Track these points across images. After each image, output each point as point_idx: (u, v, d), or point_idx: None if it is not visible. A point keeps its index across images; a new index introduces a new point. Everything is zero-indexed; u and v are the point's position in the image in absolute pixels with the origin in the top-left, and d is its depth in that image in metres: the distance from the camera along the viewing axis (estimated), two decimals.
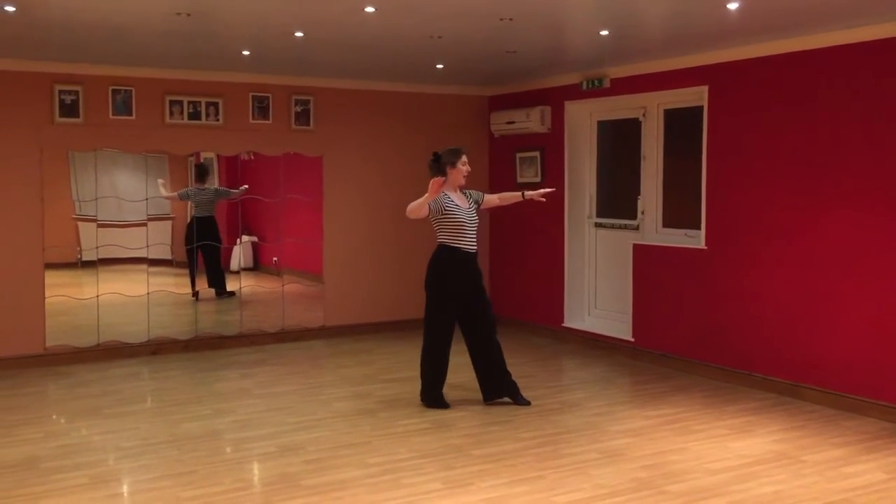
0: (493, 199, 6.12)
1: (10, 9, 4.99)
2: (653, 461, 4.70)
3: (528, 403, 5.82)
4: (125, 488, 4.39)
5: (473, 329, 5.82)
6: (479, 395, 5.89)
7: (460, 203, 5.72)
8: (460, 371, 6.19)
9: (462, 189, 5.84)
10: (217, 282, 8.46)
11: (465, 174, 5.76)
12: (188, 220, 8.28)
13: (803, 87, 5.93)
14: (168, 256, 8.23)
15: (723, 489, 4.29)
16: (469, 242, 5.70)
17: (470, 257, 5.72)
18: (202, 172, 8.23)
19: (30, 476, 4.47)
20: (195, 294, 8.31)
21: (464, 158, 5.75)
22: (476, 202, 5.87)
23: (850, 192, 5.66)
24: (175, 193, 8.12)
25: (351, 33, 5.80)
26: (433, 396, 5.79)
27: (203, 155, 8.19)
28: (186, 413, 5.68)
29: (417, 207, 5.47)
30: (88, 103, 7.20)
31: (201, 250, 8.22)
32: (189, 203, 8.25)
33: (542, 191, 6.07)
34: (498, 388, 5.86)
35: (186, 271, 8.30)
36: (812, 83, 5.88)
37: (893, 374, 5.45)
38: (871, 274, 5.55)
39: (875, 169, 5.51)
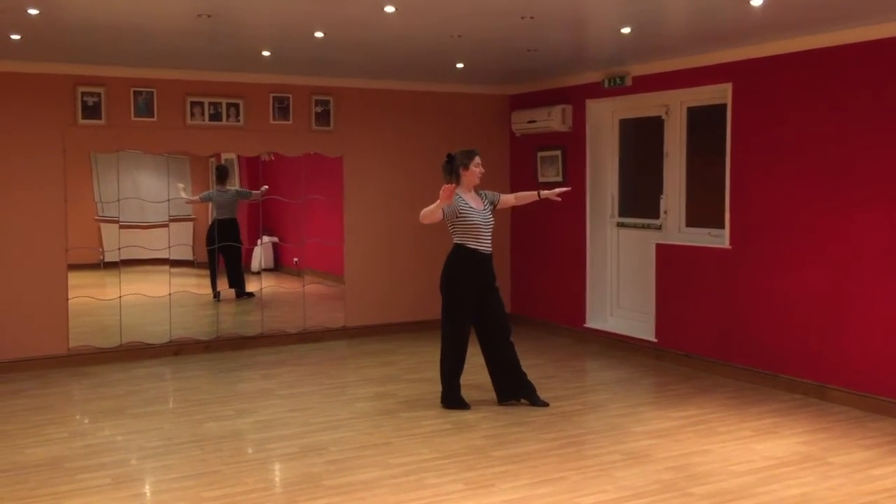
0: (509, 199, 6.11)
1: (32, 11, 5.03)
2: (677, 463, 4.66)
3: (545, 405, 5.79)
4: (148, 488, 4.40)
5: (488, 330, 5.79)
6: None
7: (475, 205, 5.70)
8: (478, 372, 6.16)
9: (477, 190, 5.82)
10: (237, 283, 8.49)
11: (479, 175, 5.76)
12: (209, 221, 8.31)
13: (829, 84, 5.86)
14: (190, 257, 8.27)
15: (748, 491, 4.24)
16: (485, 243, 5.68)
17: (486, 258, 5.70)
18: (222, 174, 8.26)
19: (54, 476, 4.49)
20: (216, 295, 8.35)
21: (477, 160, 5.74)
22: (492, 203, 5.85)
23: (878, 190, 5.58)
24: (196, 196, 8.17)
25: (371, 33, 5.80)
26: (453, 397, 5.78)
27: (224, 156, 8.23)
28: (209, 413, 5.69)
29: (430, 213, 5.45)
30: (110, 105, 7.25)
31: (222, 251, 8.25)
32: (210, 204, 8.29)
33: (557, 190, 6.05)
34: (514, 389, 5.84)
35: (207, 272, 8.34)
36: (838, 80, 5.80)
37: None
38: None
39: None
